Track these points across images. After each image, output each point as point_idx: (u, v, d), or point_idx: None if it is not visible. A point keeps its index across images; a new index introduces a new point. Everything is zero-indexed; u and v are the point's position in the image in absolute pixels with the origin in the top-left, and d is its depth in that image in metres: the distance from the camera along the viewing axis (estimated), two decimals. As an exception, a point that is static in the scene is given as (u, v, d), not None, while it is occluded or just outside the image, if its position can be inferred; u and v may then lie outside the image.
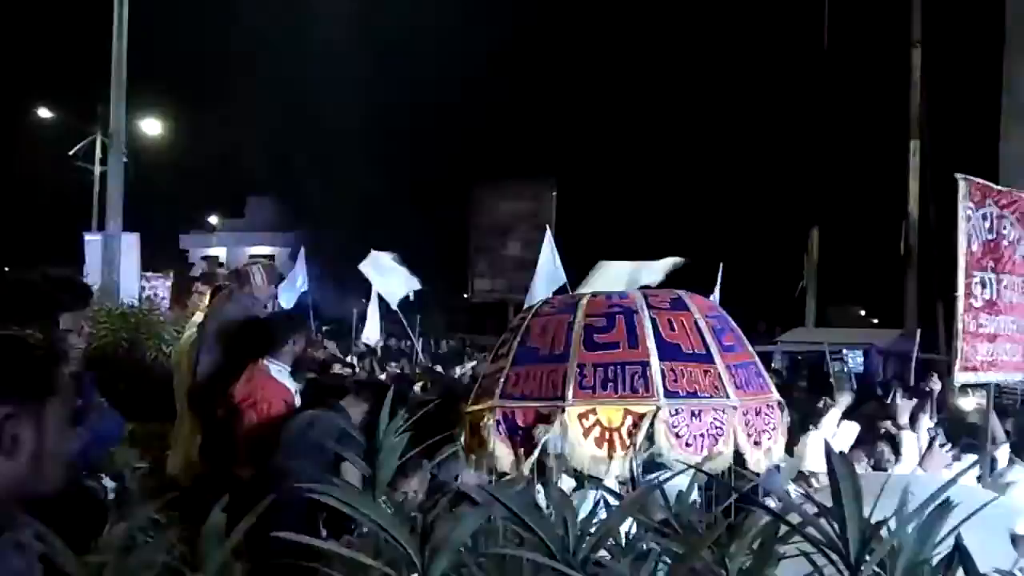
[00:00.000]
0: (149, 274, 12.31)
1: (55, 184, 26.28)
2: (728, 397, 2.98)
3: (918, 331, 10.70)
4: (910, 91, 16.14)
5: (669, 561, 1.19)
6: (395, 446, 1.99)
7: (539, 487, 2.97)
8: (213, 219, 43.08)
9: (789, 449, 4.20)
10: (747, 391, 3.08)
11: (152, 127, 23.15)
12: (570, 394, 2.93)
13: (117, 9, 10.20)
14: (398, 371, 10.22)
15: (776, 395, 3.27)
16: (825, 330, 16.62)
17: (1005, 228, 4.80)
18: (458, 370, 7.65)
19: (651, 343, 2.99)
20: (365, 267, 10.96)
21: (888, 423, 5.14)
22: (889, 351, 13.53)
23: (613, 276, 6.78)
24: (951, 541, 1.12)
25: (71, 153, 23.37)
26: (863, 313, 28.90)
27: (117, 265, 9.48)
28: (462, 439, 3.14)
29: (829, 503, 1.10)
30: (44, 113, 25.66)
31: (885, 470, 4.34)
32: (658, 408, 2.88)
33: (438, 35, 31.23)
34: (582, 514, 1.39)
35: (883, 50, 18.66)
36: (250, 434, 4.05)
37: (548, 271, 8.92)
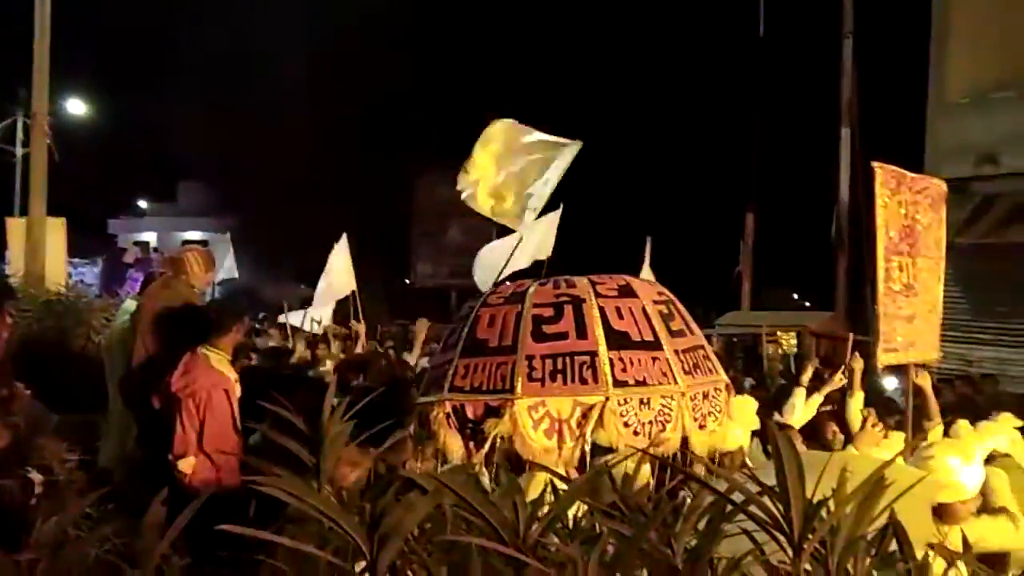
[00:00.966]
0: (76, 260, 11.86)
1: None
2: (676, 383, 3.02)
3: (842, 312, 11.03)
4: (841, 80, 16.59)
5: (616, 543, 1.20)
6: (340, 434, 1.97)
7: (484, 471, 2.97)
8: (143, 203, 41.71)
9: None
10: (695, 375, 3.13)
11: (77, 108, 22.25)
12: (519, 387, 2.93)
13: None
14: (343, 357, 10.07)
15: (724, 377, 3.33)
16: (760, 313, 17.03)
17: (919, 213, 4.97)
18: (410, 357, 7.58)
19: (599, 332, 3.01)
20: (340, 250, 10.88)
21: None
22: (820, 333, 13.95)
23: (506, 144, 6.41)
24: (884, 518, 1.17)
25: (-10, 134, 22.29)
26: (796, 296, 29.72)
27: (42, 251, 9.10)
28: (411, 428, 3.12)
29: (770, 482, 1.14)
30: (-41, 92, 24.39)
31: None
32: (607, 398, 2.91)
33: (369, 14, 30.67)
34: (530, 498, 1.40)
35: (816, 39, 19.15)
36: (189, 424, 3.96)
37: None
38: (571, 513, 1.34)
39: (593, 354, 2.97)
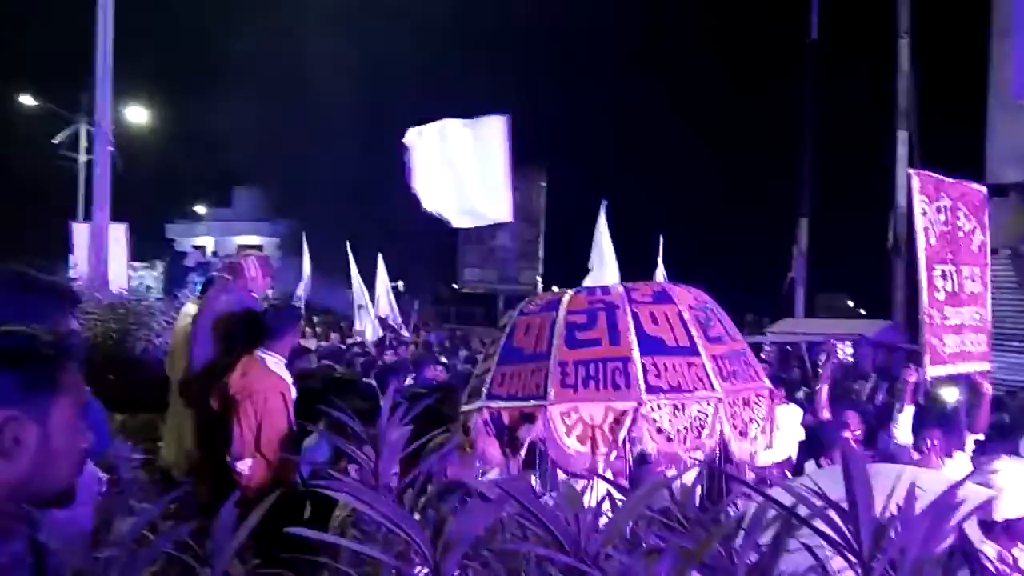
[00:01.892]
0: (136, 263, 12.24)
1: (38, 173, 25.99)
2: (713, 389, 3.00)
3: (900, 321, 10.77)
4: (897, 81, 16.20)
5: (676, 556, 1.20)
6: (398, 439, 2.00)
7: (534, 478, 2.98)
8: (200, 208, 42.79)
9: None
10: (734, 382, 3.09)
11: (138, 115, 22.96)
12: (552, 393, 2.95)
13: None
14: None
15: (767, 384, 3.28)
16: (813, 320, 16.70)
17: (959, 219, 4.82)
18: (459, 362, 7.71)
19: (633, 338, 3.00)
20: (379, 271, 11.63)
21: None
22: (878, 342, 13.63)
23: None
24: (951, 536, 1.15)
25: (55, 142, 23.10)
26: (851, 303, 29.09)
27: (105, 255, 9.40)
28: (458, 436, 3.16)
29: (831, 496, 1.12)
30: (27, 101, 25.35)
31: None
32: (639, 404, 2.90)
33: (423, 23, 31.05)
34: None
35: (870, 39, 18.74)
36: (247, 426, 4.05)
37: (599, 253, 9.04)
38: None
39: (626, 360, 2.97)
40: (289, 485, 3.69)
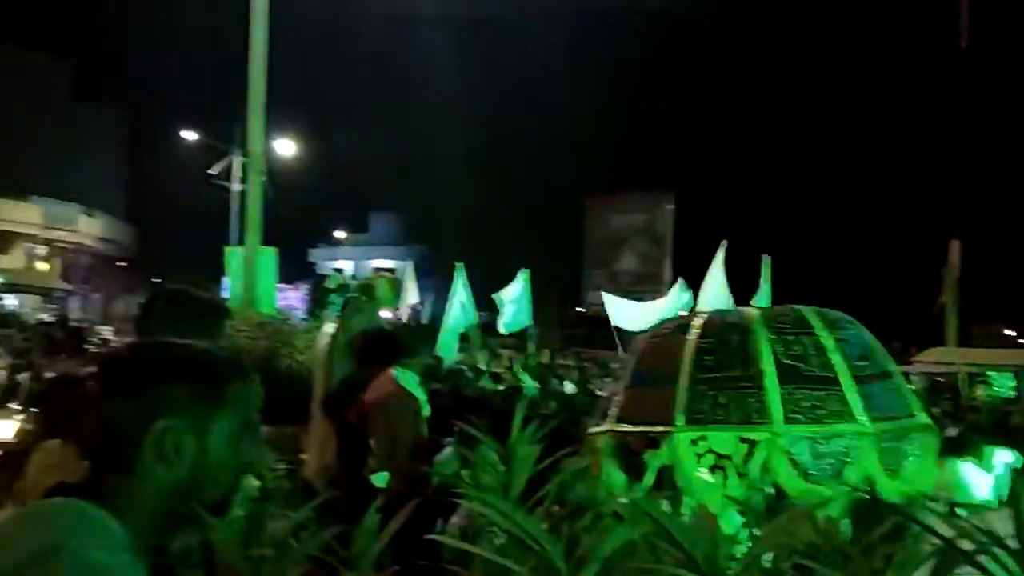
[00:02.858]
0: (281, 285, 12.97)
1: (196, 200, 28.09)
2: (856, 422, 2.83)
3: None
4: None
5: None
6: (527, 455, 2.02)
7: (665, 503, 2.92)
8: (339, 234, 45.02)
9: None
10: (884, 414, 2.91)
11: (285, 148, 24.43)
12: (679, 419, 2.87)
13: (253, 34, 10.73)
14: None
15: (923, 418, 3.06)
16: (966, 350, 15.52)
17: None
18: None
19: (768, 366, 2.88)
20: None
21: None
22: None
23: None
24: None
25: (211, 172, 24.91)
26: (1011, 332, 26.81)
27: (255, 277, 10.03)
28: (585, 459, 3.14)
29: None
30: (188, 136, 27.51)
31: None
32: (774, 435, 2.77)
33: (553, 53, 31.53)
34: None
35: (1030, 49, 17.36)
36: (381, 440, 4.20)
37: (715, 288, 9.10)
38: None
39: (760, 388, 2.85)
40: (423, 496, 3.79)
